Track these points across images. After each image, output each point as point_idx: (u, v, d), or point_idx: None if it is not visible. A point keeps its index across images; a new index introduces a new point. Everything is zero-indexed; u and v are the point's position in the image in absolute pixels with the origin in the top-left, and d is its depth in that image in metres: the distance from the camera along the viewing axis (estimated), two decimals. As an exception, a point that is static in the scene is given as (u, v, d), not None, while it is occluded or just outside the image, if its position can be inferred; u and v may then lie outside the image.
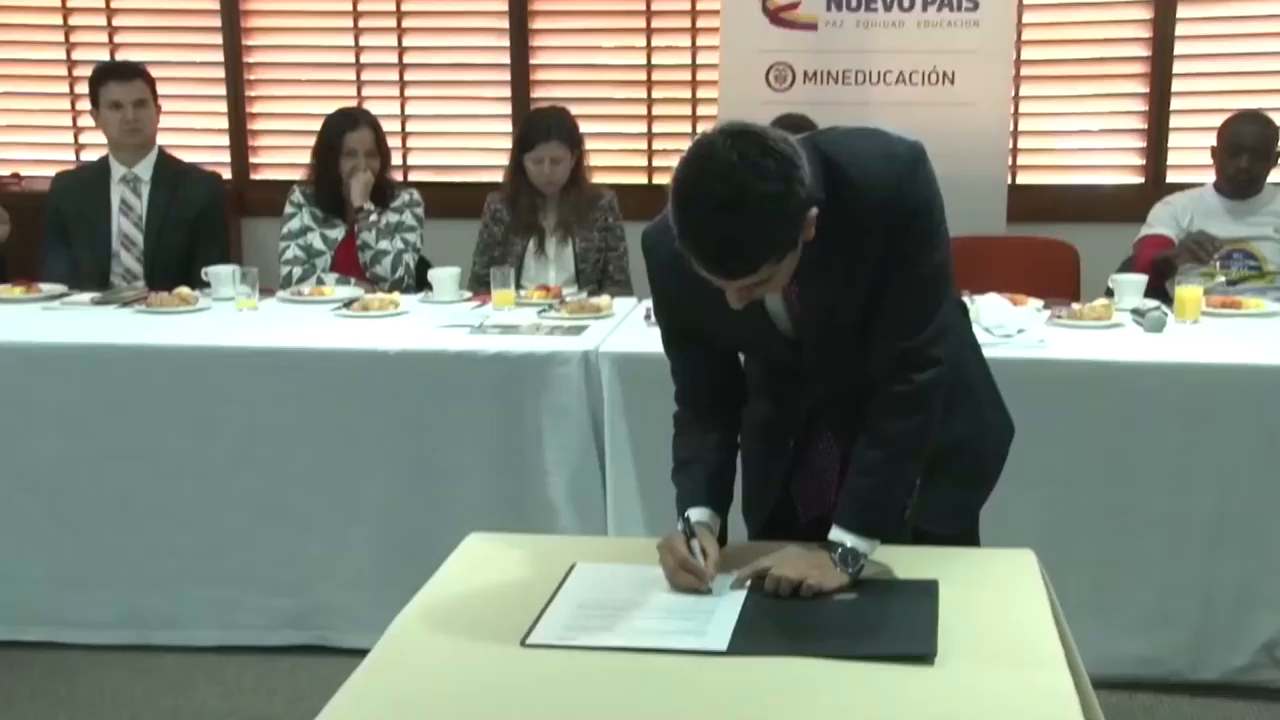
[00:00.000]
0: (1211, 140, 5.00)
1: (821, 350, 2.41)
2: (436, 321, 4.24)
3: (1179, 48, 5.90)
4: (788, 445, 2.58)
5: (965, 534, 2.62)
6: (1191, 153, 5.60)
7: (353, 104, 5.92)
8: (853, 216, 2.24)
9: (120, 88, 4.99)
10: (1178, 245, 4.74)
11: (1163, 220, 4.94)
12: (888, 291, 2.31)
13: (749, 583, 2.30)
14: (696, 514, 2.42)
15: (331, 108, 5.20)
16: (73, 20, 6.47)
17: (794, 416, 2.55)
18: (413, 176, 6.18)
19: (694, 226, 2.11)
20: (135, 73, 5.07)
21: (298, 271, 4.99)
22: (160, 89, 5.19)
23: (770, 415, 2.60)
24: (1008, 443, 2.70)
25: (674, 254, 2.20)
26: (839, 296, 2.33)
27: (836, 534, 2.33)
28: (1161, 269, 4.67)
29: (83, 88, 5.44)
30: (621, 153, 6.23)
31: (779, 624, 2.18)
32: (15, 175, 6.43)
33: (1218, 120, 5.02)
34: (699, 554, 2.33)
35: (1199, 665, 3.76)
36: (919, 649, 2.06)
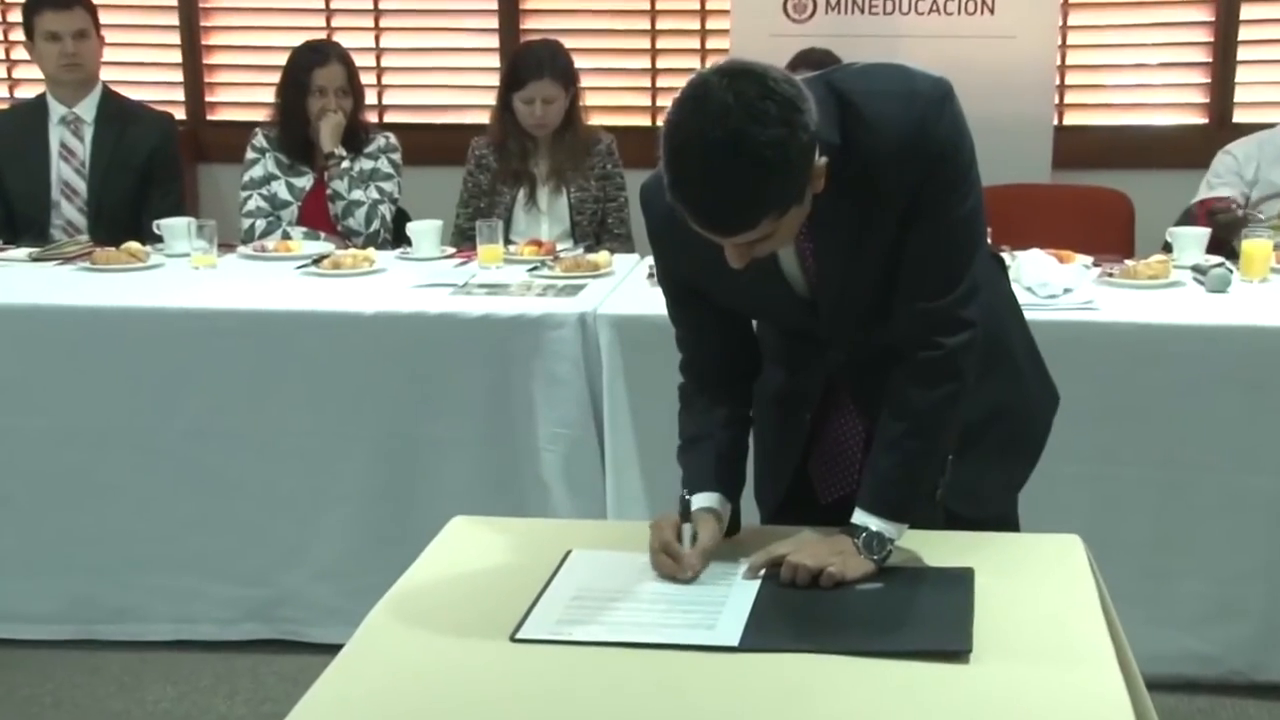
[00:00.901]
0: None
1: (840, 312, 2.41)
2: (416, 280, 4.25)
3: (1248, -29, 5.89)
4: (804, 418, 2.58)
5: (1003, 517, 2.63)
6: (1262, 88, 5.60)
7: (322, 36, 5.90)
8: (871, 163, 2.24)
9: (57, 17, 4.98)
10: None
11: (1224, 177, 4.91)
12: (912, 247, 2.31)
13: (763, 572, 2.31)
14: (702, 499, 2.43)
15: (298, 40, 5.22)
16: (7, -59, 6.46)
17: (811, 386, 2.56)
18: (389, 118, 6.16)
19: (685, 177, 2.10)
20: (74, 0, 5.06)
21: (261, 224, 4.99)
22: (104, 18, 5.19)
23: (784, 384, 2.60)
24: (1051, 414, 2.71)
25: (673, 211, 2.19)
26: (858, 252, 2.33)
27: (860, 517, 2.33)
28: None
29: (16, 17, 5.42)
30: (622, 91, 6.22)
31: (796, 617, 2.19)
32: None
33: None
34: (687, 538, 2.35)
35: (1265, 664, 3.78)
36: (951, 644, 2.06)
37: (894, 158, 2.24)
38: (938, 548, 2.39)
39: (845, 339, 2.46)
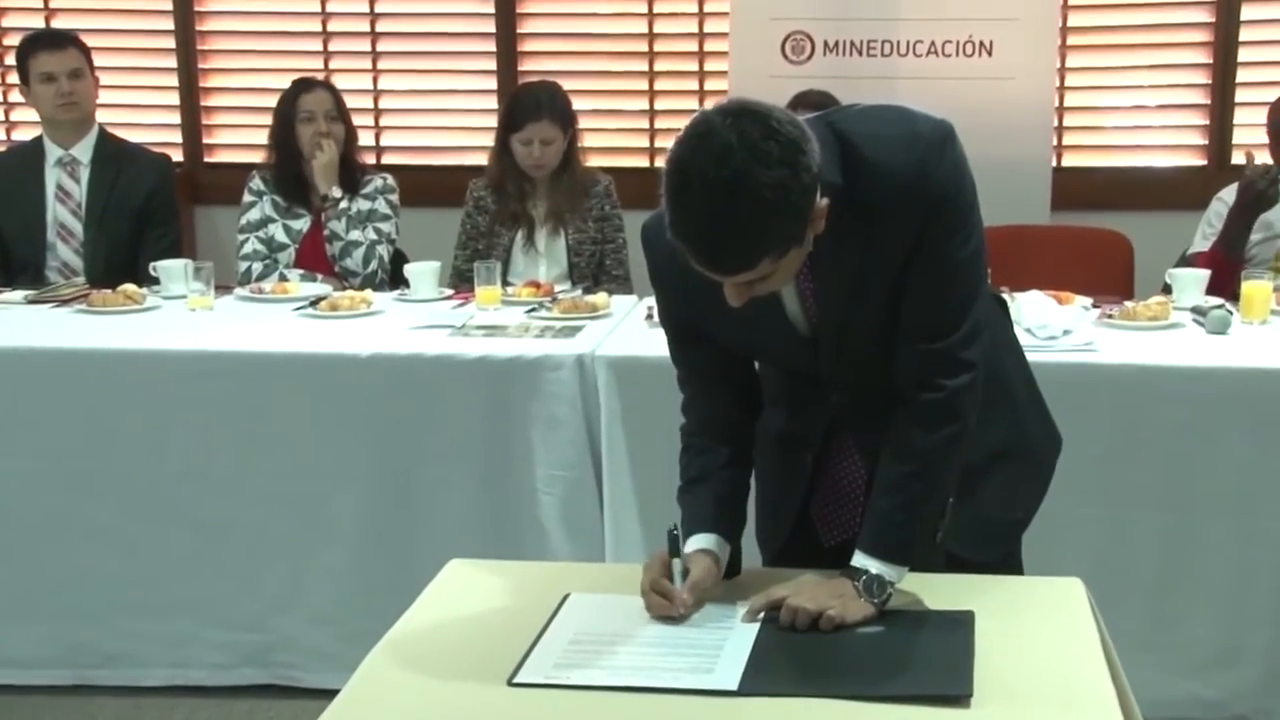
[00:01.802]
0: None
1: (842, 353, 2.41)
2: (413, 322, 4.25)
3: (1246, 12, 5.91)
4: (805, 460, 2.59)
5: (1005, 560, 2.62)
6: (1260, 131, 5.59)
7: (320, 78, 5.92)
8: (873, 204, 2.25)
9: (52, 57, 5.00)
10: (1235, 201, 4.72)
11: (1218, 227, 4.90)
12: (913, 288, 2.31)
13: (762, 615, 2.30)
14: (698, 541, 2.42)
15: (295, 82, 5.24)
16: (3, -16, 6.49)
17: (812, 428, 2.56)
18: (386, 159, 6.19)
19: (686, 216, 2.10)
20: (68, 40, 5.08)
21: (258, 267, 5.00)
22: (101, 60, 5.22)
23: (786, 426, 2.60)
24: (1054, 456, 2.71)
25: (674, 250, 2.19)
26: (859, 292, 2.33)
27: (860, 560, 2.33)
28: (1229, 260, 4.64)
29: (11, 60, 5.43)
30: (620, 133, 6.24)
31: (795, 661, 2.18)
32: (-62, 158, 6.43)
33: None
34: (678, 575, 2.34)
35: (1269, 709, 3.77)
36: (952, 689, 2.05)
37: (896, 200, 2.25)
38: (938, 590, 2.39)
39: (846, 380, 2.46)
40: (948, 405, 2.35)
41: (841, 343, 2.40)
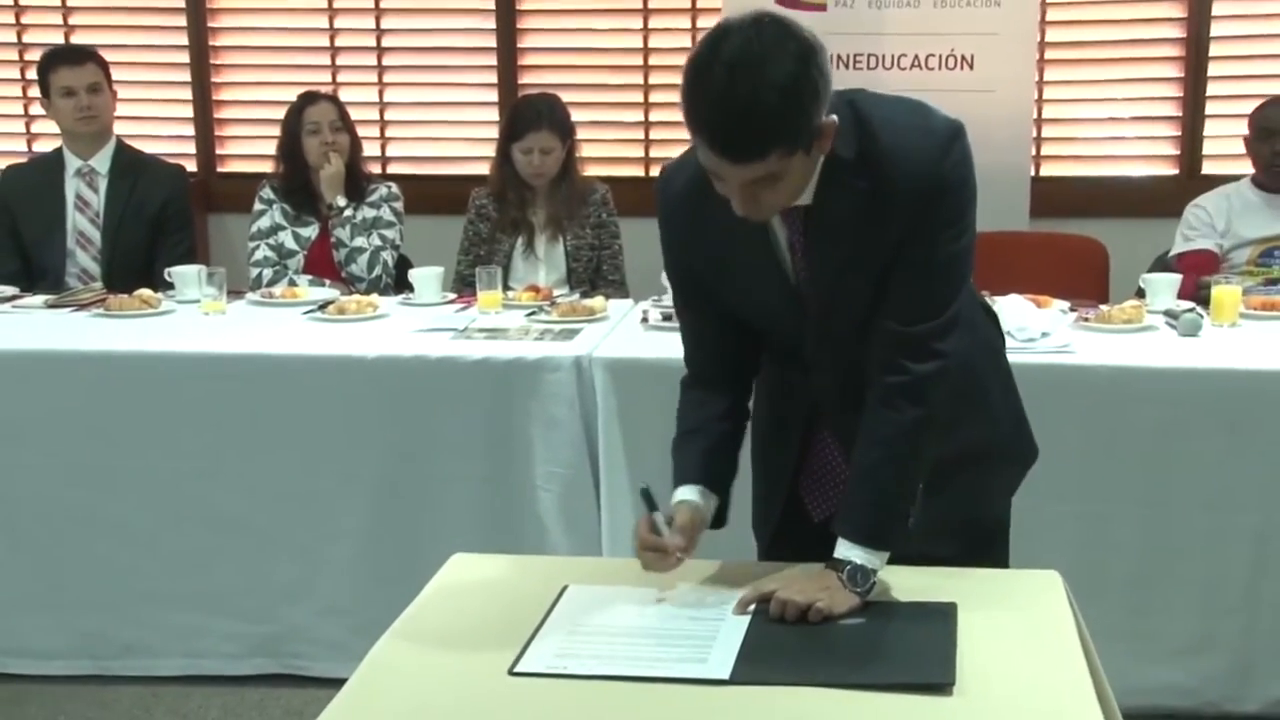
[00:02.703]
0: (1246, 128, 5.00)
1: (827, 323, 2.42)
2: (417, 325, 4.24)
3: (1215, 28, 5.91)
4: (793, 442, 2.60)
5: (970, 552, 2.58)
6: (1229, 141, 5.60)
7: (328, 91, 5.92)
8: (879, 183, 2.27)
9: (72, 72, 5.00)
10: None
11: (1197, 229, 4.93)
12: (899, 271, 2.33)
13: (753, 607, 2.30)
14: (683, 493, 2.45)
15: (306, 96, 5.23)
16: (24, 0, 6.47)
17: (798, 415, 2.58)
18: (391, 169, 6.18)
19: (703, 101, 2.13)
20: (87, 56, 5.08)
21: (268, 273, 5.00)
22: (119, 74, 5.22)
23: (775, 413, 2.63)
24: (1026, 466, 2.71)
25: (689, 191, 2.30)
26: (850, 262, 2.34)
27: (842, 549, 2.33)
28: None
29: (33, 74, 5.42)
30: (616, 143, 6.23)
31: (785, 651, 2.18)
32: (-38, 169, 6.43)
33: (1254, 107, 5.03)
34: (663, 527, 2.36)
35: (1240, 696, 3.77)
36: (935, 677, 2.05)
37: (902, 186, 2.27)
38: (922, 583, 2.38)
39: (829, 363, 2.46)
40: (912, 389, 2.35)
41: (827, 310, 2.40)
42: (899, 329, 2.34)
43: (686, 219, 2.43)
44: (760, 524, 2.74)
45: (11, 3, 6.47)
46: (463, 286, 4.84)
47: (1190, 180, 5.81)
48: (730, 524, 2.57)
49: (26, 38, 6.45)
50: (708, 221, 2.34)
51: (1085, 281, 5.05)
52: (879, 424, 2.37)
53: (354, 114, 5.21)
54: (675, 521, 2.39)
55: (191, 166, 6.24)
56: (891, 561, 2.37)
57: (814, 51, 2.14)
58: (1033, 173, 5.77)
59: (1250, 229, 4.89)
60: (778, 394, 2.62)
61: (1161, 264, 4.90)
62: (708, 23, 5.97)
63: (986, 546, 2.64)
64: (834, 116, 2.19)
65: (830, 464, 2.58)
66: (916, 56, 5.41)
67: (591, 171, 5.20)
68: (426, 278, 4.65)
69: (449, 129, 6.39)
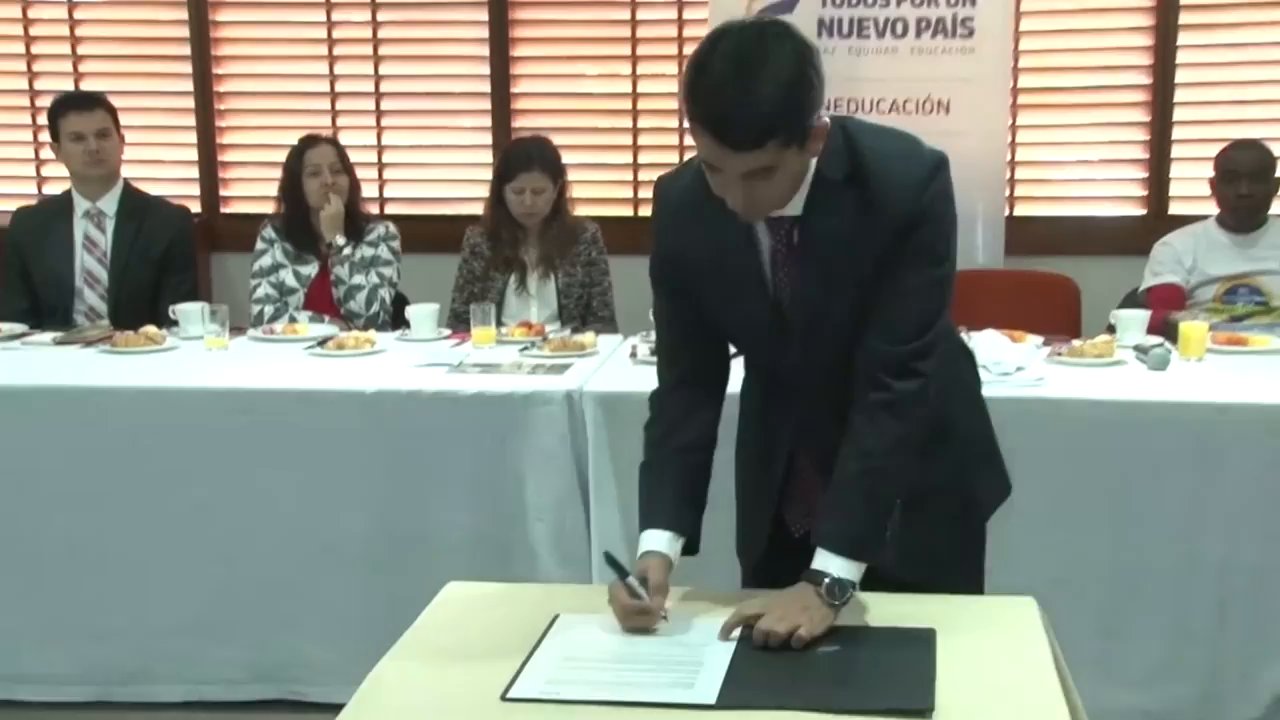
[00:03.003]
0: (1212, 170, 5.03)
1: (808, 339, 2.42)
2: (414, 360, 4.24)
3: (1180, 75, 5.94)
4: (777, 466, 2.59)
5: (944, 578, 2.56)
6: (1194, 183, 5.62)
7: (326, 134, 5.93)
8: (866, 204, 2.30)
9: (81, 118, 5.01)
10: None
11: (1166, 264, 4.96)
12: (883, 292, 2.34)
13: (737, 632, 2.29)
14: (652, 540, 2.44)
15: (306, 138, 5.23)
16: (35, 49, 6.48)
17: (781, 435, 2.57)
18: (389, 209, 6.18)
19: (704, 92, 2.17)
20: (95, 102, 5.09)
21: (269, 310, 5.00)
22: (126, 119, 5.21)
23: (758, 436, 2.63)
24: (994, 504, 2.69)
25: (684, 197, 2.36)
26: (836, 278, 2.35)
27: (820, 560, 2.32)
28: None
29: (44, 119, 5.43)
30: (606, 184, 6.23)
31: (770, 675, 2.17)
32: (-25, 210, 6.43)
33: (1218, 150, 5.05)
34: (639, 590, 2.34)
35: (1211, 715, 3.76)
36: (915, 703, 2.05)
37: (887, 209, 2.30)
38: (902, 609, 2.39)
39: (812, 382, 2.47)
40: (895, 406, 2.36)
41: (808, 324, 2.40)
42: (884, 348, 2.36)
43: (679, 222, 2.46)
44: (745, 548, 2.73)
45: (23, 50, 6.47)
46: (458, 323, 4.84)
47: (1158, 220, 5.82)
48: (715, 548, 2.57)
49: (37, 84, 6.45)
50: (698, 227, 2.39)
51: (1058, 317, 5.06)
52: (861, 438, 2.37)
53: (353, 156, 5.21)
54: (650, 581, 2.36)
55: (196, 207, 6.25)
56: (871, 587, 2.37)
57: (811, 52, 2.19)
58: (1007, 212, 5.79)
59: (1216, 267, 4.90)
60: (759, 418, 2.62)
61: (1131, 300, 4.92)
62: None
63: (959, 573, 2.64)
64: (826, 119, 2.23)
65: (810, 484, 2.56)
66: (895, 101, 5.42)
67: (582, 211, 5.21)
68: (423, 314, 4.65)
69: (444, 170, 6.39)
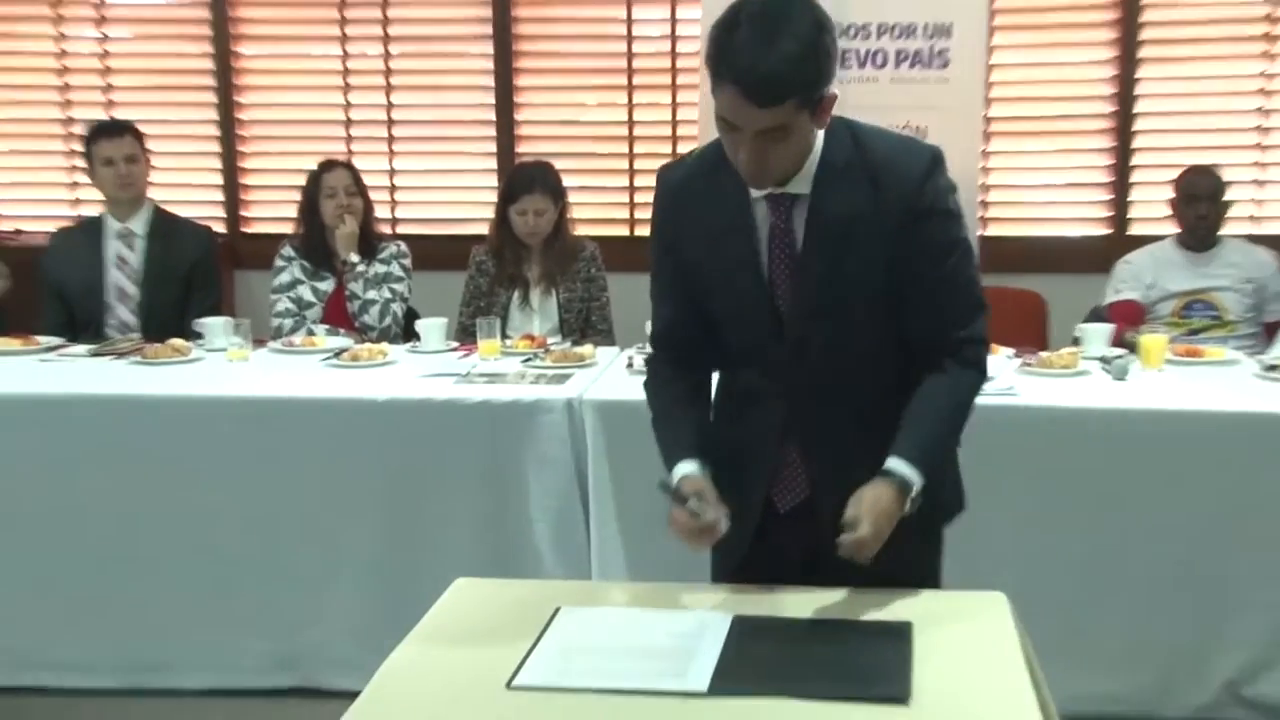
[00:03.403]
0: (1171, 193, 5.06)
1: (801, 322, 2.42)
2: (423, 371, 4.24)
3: (1139, 105, 5.97)
4: (763, 469, 2.54)
5: (901, 577, 2.52)
6: (1153, 205, 5.65)
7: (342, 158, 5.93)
8: (871, 190, 2.33)
9: (111, 144, 5.01)
10: None
11: (1127, 281, 5.00)
12: (935, 283, 2.40)
13: (729, 623, 2.29)
14: (686, 467, 2.45)
15: (321, 163, 5.24)
16: (69, 80, 6.49)
17: (769, 433, 2.52)
18: (400, 229, 6.18)
19: (732, 46, 2.19)
20: (125, 129, 5.09)
21: (288, 323, 5.00)
22: (155, 146, 5.22)
23: (742, 440, 2.56)
24: (954, 515, 2.68)
25: (684, 183, 2.40)
26: (834, 257, 2.37)
27: (893, 463, 2.36)
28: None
29: (80, 146, 5.43)
30: (604, 205, 6.25)
31: (757, 665, 2.17)
32: (17, 230, 6.45)
33: (1174, 175, 5.09)
34: (699, 507, 2.35)
35: (1166, 703, 3.77)
36: (893, 691, 2.06)
37: (892, 195, 2.34)
38: (880, 604, 2.39)
39: (801, 376, 2.45)
40: (976, 359, 2.48)
41: (803, 304, 2.41)
42: (960, 332, 2.45)
43: (678, 204, 2.48)
44: (727, 547, 2.62)
45: (58, 82, 6.48)
46: (465, 336, 4.84)
47: (1119, 239, 5.84)
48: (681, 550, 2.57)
49: (72, 114, 6.46)
50: (696, 208, 2.41)
51: (1027, 330, 5.07)
52: (942, 382, 2.44)
53: (366, 180, 5.21)
54: (706, 497, 2.38)
55: (220, 228, 6.26)
56: (844, 582, 2.39)
57: (828, 21, 2.24)
58: (979, 232, 5.79)
59: (1174, 283, 4.93)
60: (741, 417, 2.57)
61: (1095, 314, 4.93)
62: (687, 97, 6.02)
63: (925, 571, 2.62)
64: (835, 92, 2.27)
65: (797, 470, 2.53)
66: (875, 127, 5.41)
67: (581, 231, 5.21)
68: (432, 327, 4.65)
69: (452, 193, 6.41)
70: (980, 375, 2.49)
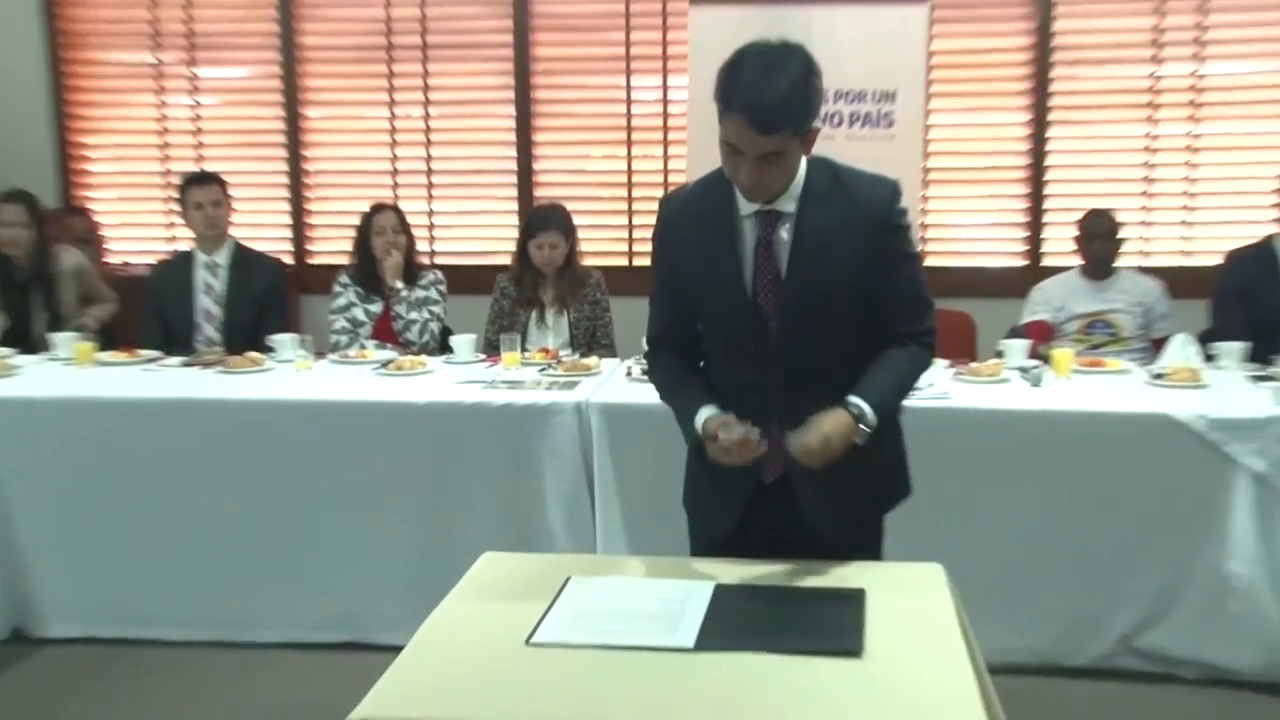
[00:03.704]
0: (1075, 230, 5.05)
1: (780, 326, 2.41)
2: (456, 378, 4.22)
3: (1050, 159, 5.97)
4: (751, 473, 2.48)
5: (848, 549, 2.52)
6: (1061, 240, 5.64)
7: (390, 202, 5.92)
8: (847, 210, 2.37)
9: (200, 191, 5.00)
10: None
11: (1040, 305, 5.00)
12: (891, 288, 2.43)
13: (713, 589, 2.28)
14: (707, 411, 2.43)
15: (372, 206, 5.23)
16: (168, 139, 6.49)
17: (752, 415, 2.42)
18: (438, 260, 6.15)
19: (740, 84, 2.23)
20: (211, 179, 5.08)
21: (344, 340, 4.98)
22: (236, 192, 5.21)
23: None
24: (900, 499, 2.66)
25: (682, 207, 2.45)
26: (815, 267, 2.38)
27: (856, 399, 2.36)
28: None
29: (175, 193, 5.42)
30: (607, 240, 6.23)
31: (736, 625, 2.17)
32: (125, 263, 6.45)
33: (1080, 215, 5.08)
34: (740, 429, 2.34)
35: (1073, 654, 3.77)
36: (848, 645, 2.06)
37: (864, 215, 2.37)
38: (838, 574, 2.39)
39: (785, 365, 2.44)
40: (927, 343, 2.49)
41: (783, 309, 2.40)
42: (914, 326, 2.47)
43: (675, 224, 2.50)
44: (712, 518, 2.62)
45: (160, 141, 6.48)
46: (491, 349, 4.82)
47: (1034, 269, 5.83)
48: (679, 526, 2.56)
49: (170, 166, 6.46)
50: (691, 227, 2.44)
51: (959, 345, 5.06)
52: (902, 352, 2.46)
53: (410, 219, 5.19)
54: (736, 424, 2.36)
55: (288, 259, 6.25)
56: (807, 555, 2.40)
57: (815, 65, 2.28)
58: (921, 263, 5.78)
59: (1079, 306, 4.92)
60: (728, 401, 2.46)
61: (1014, 332, 4.91)
62: (676, 150, 6.02)
63: (868, 543, 2.61)
64: (819, 126, 2.31)
65: (776, 447, 2.43)
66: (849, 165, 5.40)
67: (588, 262, 5.19)
68: (463, 342, 4.64)
69: (480, 230, 6.38)
70: (930, 355, 2.51)
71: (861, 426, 2.35)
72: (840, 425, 2.33)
